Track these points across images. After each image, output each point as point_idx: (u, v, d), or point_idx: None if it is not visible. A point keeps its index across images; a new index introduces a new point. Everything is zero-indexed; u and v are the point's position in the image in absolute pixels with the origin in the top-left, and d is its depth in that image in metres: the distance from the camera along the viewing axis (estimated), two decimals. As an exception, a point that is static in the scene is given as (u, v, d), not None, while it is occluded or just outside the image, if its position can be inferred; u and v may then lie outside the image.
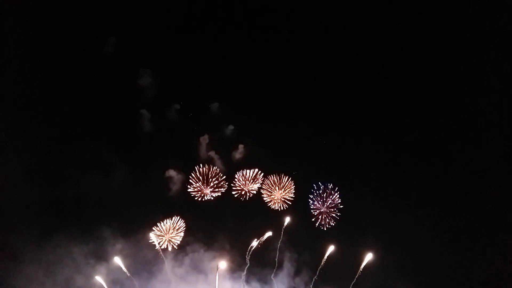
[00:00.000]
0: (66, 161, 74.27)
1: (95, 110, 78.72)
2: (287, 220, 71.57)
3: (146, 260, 73.86)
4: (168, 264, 74.01)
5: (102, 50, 78.35)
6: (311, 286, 70.51)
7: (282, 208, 73.83)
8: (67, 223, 68.35)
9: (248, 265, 72.44)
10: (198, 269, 74.14)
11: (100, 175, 75.99)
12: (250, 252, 74.24)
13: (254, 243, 74.48)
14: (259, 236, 75.67)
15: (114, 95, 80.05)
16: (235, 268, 68.04)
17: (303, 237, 73.81)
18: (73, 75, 77.40)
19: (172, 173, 79.72)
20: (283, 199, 73.67)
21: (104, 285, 65.51)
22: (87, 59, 78.17)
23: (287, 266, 72.98)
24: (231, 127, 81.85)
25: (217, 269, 40.72)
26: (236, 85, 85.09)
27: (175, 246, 73.14)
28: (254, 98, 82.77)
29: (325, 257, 68.76)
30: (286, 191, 74.08)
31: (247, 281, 72.96)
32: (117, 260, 68.53)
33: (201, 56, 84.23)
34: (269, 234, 75.01)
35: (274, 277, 72.83)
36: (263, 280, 72.69)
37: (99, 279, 64.90)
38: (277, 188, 73.61)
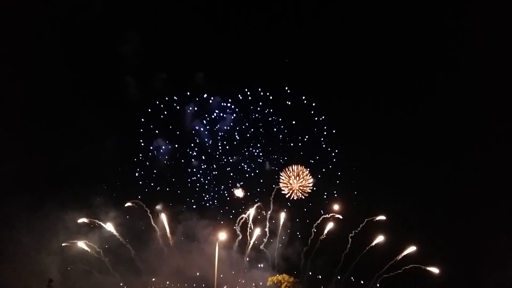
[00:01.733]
0: (56, 131, 73.38)
1: (83, 78, 77.36)
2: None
3: (139, 229, 74.98)
4: (160, 232, 75.08)
5: (87, 16, 76.24)
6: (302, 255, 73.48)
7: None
8: (58, 192, 68.49)
9: (241, 236, 74.52)
10: (191, 238, 75.54)
11: (91, 144, 75.55)
12: (239, 224, 76.20)
13: (244, 215, 76.72)
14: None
15: (99, 61, 78.51)
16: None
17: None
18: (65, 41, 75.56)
19: (160, 142, 79.69)
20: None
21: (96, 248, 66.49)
22: (72, 24, 76.18)
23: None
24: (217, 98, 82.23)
25: (217, 241, 41.61)
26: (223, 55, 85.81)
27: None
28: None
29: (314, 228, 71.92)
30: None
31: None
32: (110, 227, 69.11)
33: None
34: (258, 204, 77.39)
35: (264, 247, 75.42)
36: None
37: (82, 244, 66.21)
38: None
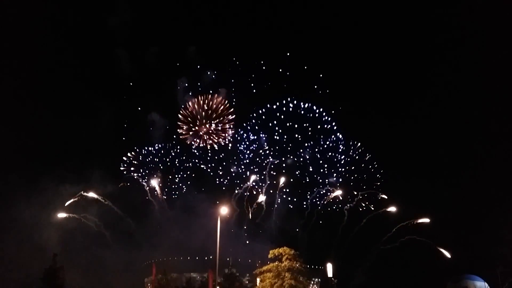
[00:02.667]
0: (50, 106, 72.54)
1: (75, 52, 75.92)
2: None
3: (137, 203, 75.27)
4: (157, 206, 75.41)
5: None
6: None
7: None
8: (54, 167, 68.27)
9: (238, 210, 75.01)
10: (189, 211, 75.96)
11: (85, 118, 74.91)
12: (236, 198, 76.71)
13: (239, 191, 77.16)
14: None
15: (91, 34, 77.02)
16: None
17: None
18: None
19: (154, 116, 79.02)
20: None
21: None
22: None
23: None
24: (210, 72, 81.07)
25: (219, 215, 41.73)
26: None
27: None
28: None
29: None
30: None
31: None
32: (107, 201, 69.28)
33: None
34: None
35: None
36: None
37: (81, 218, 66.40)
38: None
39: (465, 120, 76.96)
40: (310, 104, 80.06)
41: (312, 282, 79.54)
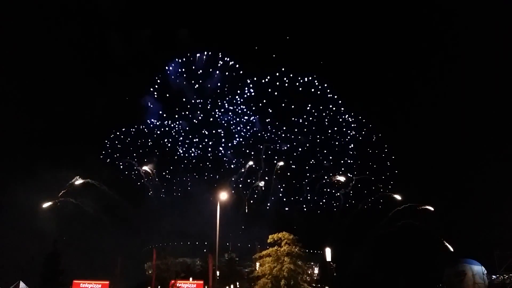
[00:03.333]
0: (45, 90, 71.71)
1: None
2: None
3: (133, 188, 75.10)
4: (153, 191, 75.20)
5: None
6: None
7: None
8: (51, 152, 67.95)
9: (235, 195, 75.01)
10: (185, 197, 75.87)
11: (79, 102, 74.00)
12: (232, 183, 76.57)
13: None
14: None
15: (83, 18, 75.68)
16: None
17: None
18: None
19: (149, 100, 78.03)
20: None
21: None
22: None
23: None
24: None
25: (218, 201, 41.82)
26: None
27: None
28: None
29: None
30: None
31: None
32: (104, 188, 69.18)
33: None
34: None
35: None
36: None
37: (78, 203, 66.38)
38: None
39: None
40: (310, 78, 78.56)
41: (312, 266, 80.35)
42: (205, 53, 78.95)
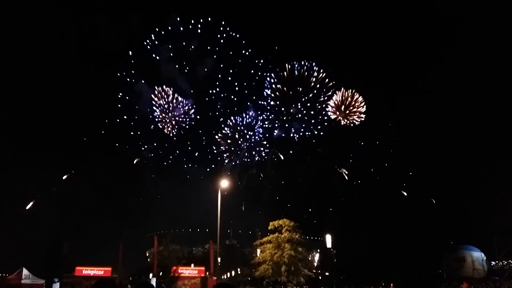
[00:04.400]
0: (35, 79, 70.42)
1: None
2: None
3: (129, 176, 74.73)
4: (150, 178, 74.85)
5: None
6: None
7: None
8: (43, 140, 67.73)
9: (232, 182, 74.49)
10: (182, 183, 75.46)
11: (71, 90, 72.99)
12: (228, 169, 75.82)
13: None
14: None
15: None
16: None
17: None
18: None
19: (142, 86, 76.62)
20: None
21: None
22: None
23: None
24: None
25: (219, 188, 41.82)
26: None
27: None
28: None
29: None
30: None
31: None
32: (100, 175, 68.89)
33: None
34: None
35: None
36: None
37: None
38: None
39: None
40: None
41: (312, 253, 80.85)
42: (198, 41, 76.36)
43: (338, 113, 71.54)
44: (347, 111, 71.07)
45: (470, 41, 74.74)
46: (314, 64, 73.26)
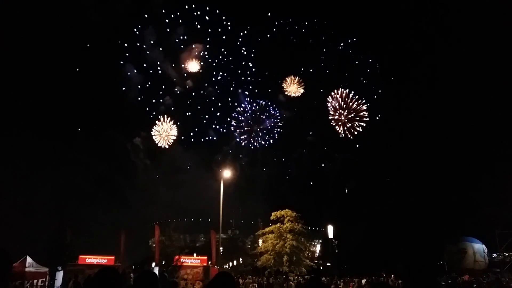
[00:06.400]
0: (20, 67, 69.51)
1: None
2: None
3: (123, 163, 74.53)
4: (144, 166, 74.52)
5: None
6: None
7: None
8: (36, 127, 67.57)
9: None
10: (177, 170, 75.31)
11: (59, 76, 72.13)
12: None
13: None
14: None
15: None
16: None
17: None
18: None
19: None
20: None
21: None
22: None
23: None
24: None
25: (221, 179, 41.97)
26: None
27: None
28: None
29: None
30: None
31: None
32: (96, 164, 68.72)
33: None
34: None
35: None
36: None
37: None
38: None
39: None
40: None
41: (313, 243, 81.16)
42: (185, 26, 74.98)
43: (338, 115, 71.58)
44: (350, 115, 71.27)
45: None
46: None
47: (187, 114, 76.55)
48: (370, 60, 76.66)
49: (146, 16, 73.78)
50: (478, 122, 71.39)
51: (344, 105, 72.44)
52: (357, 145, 75.77)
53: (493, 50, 71.01)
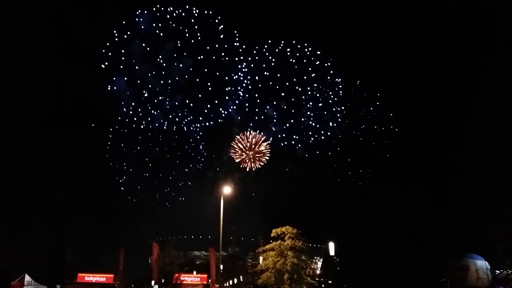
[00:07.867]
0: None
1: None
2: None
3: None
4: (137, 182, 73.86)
5: None
6: None
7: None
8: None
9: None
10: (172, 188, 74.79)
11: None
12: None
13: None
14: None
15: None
16: None
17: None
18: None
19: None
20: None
21: None
22: None
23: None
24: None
25: (222, 195, 41.82)
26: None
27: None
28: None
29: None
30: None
31: None
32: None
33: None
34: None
35: None
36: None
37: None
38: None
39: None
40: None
41: (314, 260, 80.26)
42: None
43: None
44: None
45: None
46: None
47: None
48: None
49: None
50: (480, 136, 71.14)
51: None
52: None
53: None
